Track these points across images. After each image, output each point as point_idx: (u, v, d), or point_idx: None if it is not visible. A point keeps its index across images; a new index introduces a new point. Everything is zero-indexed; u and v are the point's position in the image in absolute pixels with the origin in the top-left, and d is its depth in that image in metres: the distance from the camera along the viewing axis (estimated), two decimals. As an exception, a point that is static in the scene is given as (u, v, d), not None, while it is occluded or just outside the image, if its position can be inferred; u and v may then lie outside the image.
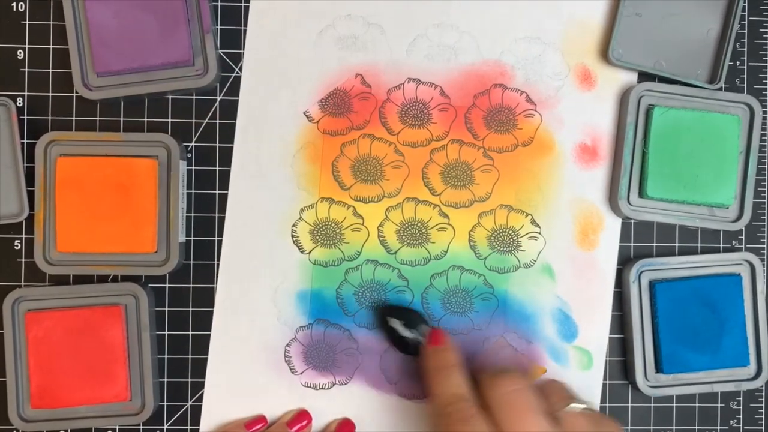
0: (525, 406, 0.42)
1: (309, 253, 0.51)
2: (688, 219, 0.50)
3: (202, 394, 0.50)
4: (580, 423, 0.43)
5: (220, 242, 0.50)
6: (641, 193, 0.50)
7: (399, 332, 0.48)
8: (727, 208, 0.50)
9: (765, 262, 0.52)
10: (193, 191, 0.51)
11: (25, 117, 0.50)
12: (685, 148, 0.49)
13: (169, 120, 0.51)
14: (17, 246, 0.50)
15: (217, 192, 0.51)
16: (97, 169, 0.48)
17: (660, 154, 0.49)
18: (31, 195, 0.49)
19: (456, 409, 0.43)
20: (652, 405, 0.52)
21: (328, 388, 0.50)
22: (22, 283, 0.50)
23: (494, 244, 0.51)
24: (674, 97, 0.50)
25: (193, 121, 0.51)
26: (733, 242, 0.52)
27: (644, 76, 0.51)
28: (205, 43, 0.49)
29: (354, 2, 0.51)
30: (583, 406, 0.44)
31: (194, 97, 0.51)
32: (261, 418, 0.49)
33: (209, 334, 0.50)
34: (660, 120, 0.49)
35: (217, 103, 0.51)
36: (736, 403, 0.52)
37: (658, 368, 0.50)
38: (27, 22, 0.50)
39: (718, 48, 0.52)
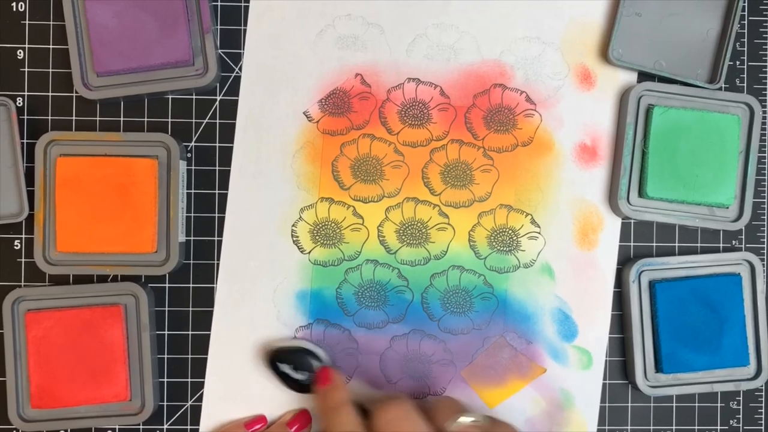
0: (411, 428, 0.43)
1: (309, 252, 0.51)
2: (688, 219, 0.50)
3: (201, 393, 0.50)
4: None
5: (220, 242, 0.50)
6: (641, 193, 0.50)
7: (290, 375, 0.48)
8: (727, 207, 0.51)
9: (765, 262, 0.52)
10: (193, 191, 0.51)
11: (25, 117, 0.50)
12: (685, 147, 0.50)
13: (169, 120, 0.51)
14: (17, 246, 0.50)
15: (217, 192, 0.51)
16: (97, 169, 0.48)
17: (660, 153, 0.49)
18: (31, 195, 0.49)
19: None
20: (652, 405, 0.52)
21: (328, 388, 0.50)
22: (22, 283, 0.50)
23: (494, 243, 0.51)
24: (674, 96, 0.50)
25: (193, 120, 0.51)
26: (733, 242, 0.52)
27: (644, 76, 0.52)
28: (205, 43, 0.49)
29: (354, 2, 0.51)
30: (472, 418, 0.44)
31: (194, 96, 0.51)
32: (261, 418, 0.50)
33: (209, 334, 0.50)
34: (660, 120, 0.49)
35: (217, 103, 0.51)
36: (736, 403, 0.52)
37: (658, 368, 0.50)
38: (27, 22, 0.50)
39: (718, 48, 0.52)
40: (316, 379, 0.48)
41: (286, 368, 0.48)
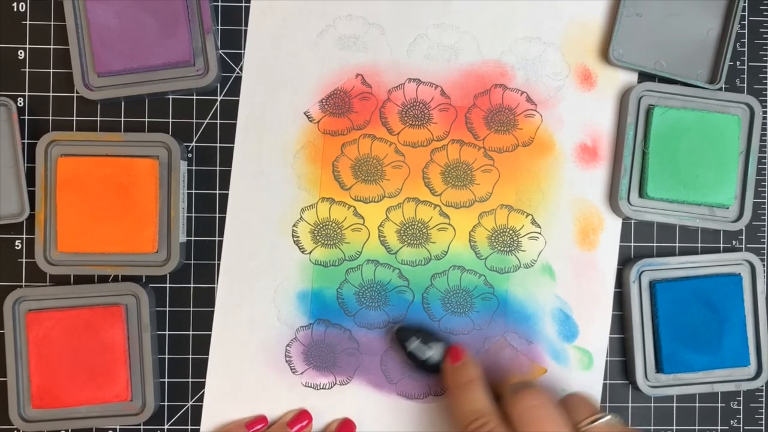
0: (548, 420, 0.42)
1: (309, 253, 0.51)
2: (688, 219, 0.50)
3: (202, 394, 0.50)
4: None
5: (220, 242, 0.51)
6: (641, 193, 0.50)
7: (418, 354, 0.48)
8: (728, 208, 0.51)
9: (765, 262, 0.52)
10: (193, 191, 0.51)
11: (26, 117, 0.50)
12: (685, 148, 0.50)
13: (170, 120, 0.51)
14: (18, 246, 0.50)
15: (217, 192, 0.51)
16: (97, 169, 0.48)
17: (660, 154, 0.50)
18: (31, 195, 0.49)
19: (479, 424, 0.43)
20: (652, 405, 0.52)
21: (328, 388, 0.50)
22: (23, 283, 0.50)
23: (495, 244, 0.51)
24: (674, 97, 0.50)
25: (194, 121, 0.51)
26: (734, 242, 0.52)
27: (644, 77, 0.52)
28: (205, 43, 0.49)
29: (354, 2, 0.51)
30: (608, 417, 0.44)
31: (195, 97, 0.51)
32: (261, 418, 0.50)
33: (210, 334, 0.50)
34: (660, 120, 0.50)
35: (218, 103, 0.51)
36: (736, 403, 0.52)
37: (659, 368, 0.50)
38: (28, 22, 0.50)
39: (718, 48, 0.52)
40: (447, 355, 0.47)
41: (414, 344, 0.48)
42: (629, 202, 0.50)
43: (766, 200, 0.53)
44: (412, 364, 0.49)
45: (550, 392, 0.44)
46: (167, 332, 0.50)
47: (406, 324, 0.50)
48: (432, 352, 0.48)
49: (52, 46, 0.50)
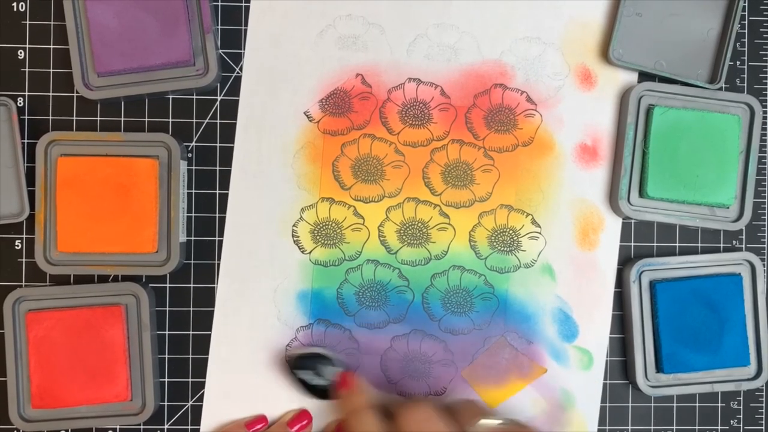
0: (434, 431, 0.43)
1: (309, 253, 0.51)
2: (688, 219, 0.50)
3: (202, 394, 0.50)
4: None
5: (220, 242, 0.51)
6: (641, 193, 0.50)
7: (310, 383, 0.48)
8: (728, 208, 0.51)
9: (765, 262, 0.52)
10: (193, 191, 0.51)
11: (26, 117, 0.50)
12: (685, 148, 0.50)
13: (170, 120, 0.51)
14: (18, 246, 0.50)
15: (217, 192, 0.51)
16: (97, 169, 0.48)
17: (660, 154, 0.50)
18: (31, 195, 0.49)
19: None
20: (652, 405, 0.52)
21: (328, 388, 0.51)
22: (23, 283, 0.50)
23: (495, 244, 0.51)
24: (674, 97, 0.50)
25: (194, 121, 0.51)
26: (734, 242, 0.53)
27: (644, 76, 0.52)
28: (205, 43, 0.49)
29: (354, 2, 0.51)
30: (498, 421, 0.44)
31: (195, 97, 0.51)
32: (261, 418, 0.50)
33: (210, 334, 0.50)
34: (660, 120, 0.50)
35: (218, 103, 0.51)
36: (736, 402, 0.52)
37: (659, 368, 0.50)
38: (27, 22, 0.50)
39: (718, 48, 0.52)
40: (337, 384, 0.48)
41: (305, 375, 0.48)
42: (629, 202, 0.50)
43: (766, 200, 0.53)
44: (301, 390, 0.49)
45: (434, 405, 0.45)
46: (167, 332, 0.50)
47: (300, 353, 0.49)
48: (323, 381, 0.48)
49: (52, 46, 0.50)
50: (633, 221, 0.52)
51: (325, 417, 0.50)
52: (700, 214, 0.51)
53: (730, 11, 0.51)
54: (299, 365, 0.48)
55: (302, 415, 0.50)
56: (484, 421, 0.44)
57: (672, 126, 0.50)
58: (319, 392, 0.48)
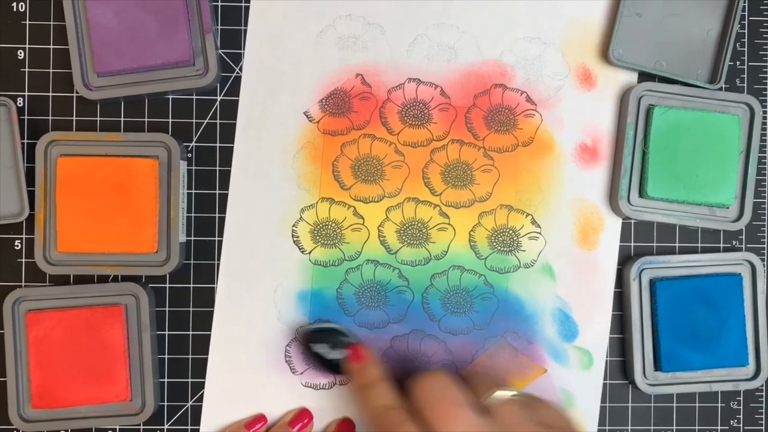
0: (450, 400, 0.42)
1: (309, 253, 0.51)
2: (688, 219, 0.51)
3: (202, 394, 0.51)
4: (510, 409, 0.43)
5: (220, 242, 0.51)
6: (641, 193, 0.50)
7: (325, 356, 0.49)
8: (728, 208, 0.51)
9: (765, 262, 0.53)
10: (193, 191, 0.51)
11: (26, 117, 0.50)
12: (685, 148, 0.50)
13: (170, 120, 0.51)
14: (17, 246, 0.50)
15: (217, 192, 0.51)
16: (97, 169, 0.48)
17: (660, 154, 0.50)
18: (31, 195, 0.50)
19: (385, 419, 0.43)
20: (652, 405, 0.52)
21: (328, 388, 0.51)
22: (23, 283, 0.50)
23: (494, 244, 0.52)
24: (674, 97, 0.51)
25: (194, 121, 0.51)
26: (734, 242, 0.53)
27: (644, 76, 0.52)
28: (205, 43, 0.49)
29: (354, 2, 0.51)
30: (513, 392, 0.44)
31: (194, 97, 0.51)
32: (260, 417, 0.50)
33: (209, 334, 0.51)
34: (660, 120, 0.50)
35: (218, 103, 0.51)
36: (736, 402, 0.52)
37: (657, 366, 0.51)
38: (27, 22, 0.51)
39: (718, 48, 0.52)
40: (349, 357, 0.48)
41: (321, 348, 0.48)
42: (629, 202, 0.51)
43: (766, 200, 0.53)
44: (315, 364, 0.49)
45: (449, 374, 0.44)
46: (167, 332, 0.51)
47: (314, 327, 0.50)
48: (340, 355, 0.48)
49: (51, 46, 0.51)
50: (633, 221, 0.52)
51: (325, 417, 0.51)
52: (700, 214, 0.51)
53: (730, 11, 0.52)
54: (314, 339, 0.49)
55: (303, 414, 0.50)
56: (500, 393, 0.44)
57: (672, 126, 0.50)
58: (333, 366, 0.49)
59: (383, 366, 0.47)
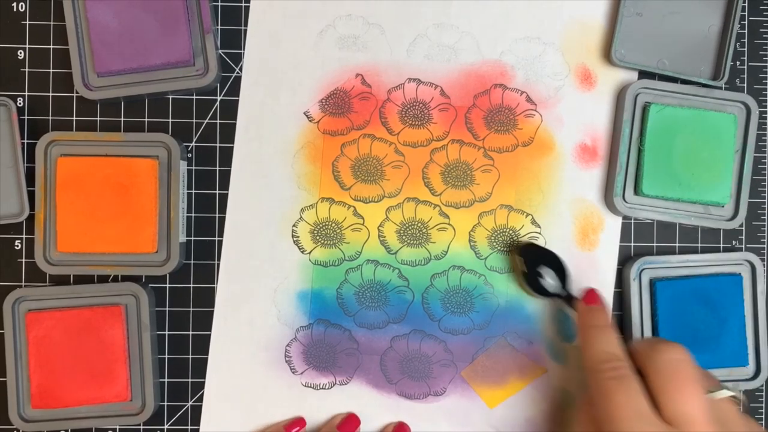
0: (688, 376, 0.42)
1: (309, 253, 0.52)
2: (683, 217, 0.51)
3: (202, 394, 0.51)
4: (733, 411, 0.43)
5: (220, 242, 0.51)
6: (637, 191, 0.51)
7: (546, 286, 0.50)
8: (723, 206, 0.51)
9: (765, 262, 0.53)
10: (193, 191, 0.52)
11: (26, 117, 0.51)
12: (681, 146, 0.50)
13: (170, 120, 0.52)
14: (18, 246, 0.51)
15: (217, 192, 0.52)
16: (97, 169, 0.49)
17: (656, 151, 0.50)
18: (31, 195, 0.50)
19: (611, 366, 0.43)
20: (652, 405, 0.52)
21: (328, 388, 0.51)
22: (23, 283, 0.51)
23: (494, 244, 0.52)
24: (671, 94, 0.51)
25: (194, 121, 0.52)
26: (734, 242, 0.53)
27: (644, 76, 0.52)
28: (205, 43, 0.50)
29: (354, 2, 0.52)
30: (732, 393, 0.44)
31: (194, 97, 0.52)
32: (299, 420, 0.50)
33: (209, 334, 0.51)
34: (656, 118, 0.50)
35: (218, 103, 0.52)
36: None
37: (658, 366, 0.51)
38: (27, 22, 0.51)
39: (720, 44, 0.52)
40: (584, 297, 0.48)
41: (547, 272, 0.50)
42: (624, 200, 0.51)
43: (766, 200, 0.53)
44: (524, 283, 0.51)
45: (689, 352, 0.44)
46: (167, 332, 0.51)
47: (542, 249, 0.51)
48: (562, 290, 0.50)
49: (51, 46, 0.51)
50: (633, 221, 0.53)
51: (325, 417, 0.51)
52: (695, 213, 0.51)
53: (730, 8, 0.52)
54: (537, 260, 0.50)
55: (351, 418, 0.50)
56: (725, 392, 0.43)
57: (668, 124, 0.50)
58: (540, 288, 0.50)
59: (613, 316, 0.47)
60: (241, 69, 0.52)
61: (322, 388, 0.51)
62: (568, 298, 0.50)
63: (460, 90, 0.52)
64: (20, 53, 0.51)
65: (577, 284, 0.52)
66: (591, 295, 0.48)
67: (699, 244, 0.53)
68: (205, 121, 0.52)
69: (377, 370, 0.52)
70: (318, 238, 0.52)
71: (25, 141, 0.51)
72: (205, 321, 0.51)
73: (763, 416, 0.53)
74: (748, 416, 0.45)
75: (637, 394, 0.42)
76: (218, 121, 0.52)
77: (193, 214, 0.52)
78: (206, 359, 0.51)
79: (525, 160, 0.52)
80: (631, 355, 0.45)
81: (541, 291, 0.51)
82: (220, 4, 0.52)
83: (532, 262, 0.51)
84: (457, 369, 0.52)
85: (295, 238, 0.52)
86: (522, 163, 0.52)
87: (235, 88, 0.52)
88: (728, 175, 0.51)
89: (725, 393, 0.44)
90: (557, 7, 0.53)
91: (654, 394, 0.42)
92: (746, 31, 0.54)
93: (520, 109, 0.52)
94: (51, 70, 0.51)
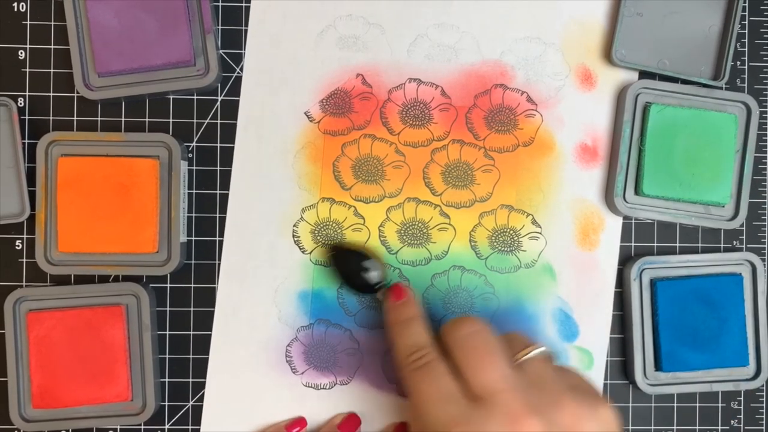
0: (486, 348, 0.42)
1: (310, 253, 0.52)
2: (683, 217, 0.51)
3: (203, 394, 0.51)
4: (543, 367, 0.42)
5: (221, 242, 0.52)
6: (637, 191, 0.51)
7: (370, 281, 0.49)
8: (723, 206, 0.52)
9: (766, 262, 0.53)
10: (194, 191, 0.52)
11: (26, 117, 0.51)
12: (681, 146, 0.51)
13: (170, 120, 0.52)
14: (18, 246, 0.51)
15: (218, 192, 0.52)
16: (98, 169, 0.49)
17: (656, 151, 0.51)
18: (32, 195, 0.50)
19: (416, 356, 0.43)
20: (652, 405, 0.53)
21: (329, 388, 0.52)
22: (24, 283, 0.51)
23: (495, 244, 0.52)
24: (671, 94, 0.51)
25: (194, 121, 0.52)
26: (734, 242, 0.53)
27: (645, 76, 0.53)
28: (206, 43, 0.50)
29: (354, 2, 0.52)
30: (542, 348, 0.43)
31: (195, 97, 0.52)
32: (300, 420, 0.50)
33: (210, 334, 0.51)
34: (657, 118, 0.51)
35: (218, 103, 0.52)
36: (736, 402, 0.53)
37: (658, 366, 0.51)
38: (28, 22, 0.51)
39: (720, 44, 0.53)
40: (390, 292, 0.48)
41: (369, 264, 0.49)
42: (625, 200, 0.51)
43: (766, 200, 0.54)
44: (345, 284, 0.50)
45: (486, 322, 0.44)
46: (168, 332, 0.51)
47: (350, 248, 0.51)
48: (375, 281, 0.50)
49: (52, 46, 0.51)
50: (633, 221, 0.53)
51: (325, 417, 0.51)
52: (696, 213, 0.52)
53: (730, 7, 0.52)
54: (345, 257, 0.50)
55: (352, 418, 0.51)
56: (535, 352, 0.43)
57: (668, 124, 0.51)
58: (360, 285, 0.50)
59: (419, 306, 0.48)
60: (241, 69, 0.52)
61: (323, 388, 0.52)
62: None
63: (460, 90, 0.52)
64: (21, 53, 0.51)
65: (578, 284, 0.52)
66: (397, 291, 0.48)
67: (699, 244, 0.53)
68: (206, 121, 0.52)
69: (378, 370, 0.52)
70: (319, 238, 0.52)
71: (26, 141, 0.51)
72: (205, 321, 0.52)
73: (764, 416, 0.53)
74: (565, 368, 0.44)
75: (442, 376, 0.42)
76: (219, 121, 0.52)
77: (193, 214, 0.52)
78: (207, 359, 0.51)
79: (525, 160, 0.53)
80: (439, 340, 0.44)
81: (364, 288, 0.50)
82: (220, 4, 0.52)
83: (347, 262, 0.50)
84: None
85: (295, 238, 0.52)
86: (522, 163, 0.53)
87: (235, 89, 0.52)
88: (729, 175, 0.51)
89: (529, 353, 0.43)
90: (557, 7, 0.53)
91: (460, 372, 0.41)
92: (747, 31, 0.54)
93: (521, 109, 0.53)
94: (52, 70, 0.51)
